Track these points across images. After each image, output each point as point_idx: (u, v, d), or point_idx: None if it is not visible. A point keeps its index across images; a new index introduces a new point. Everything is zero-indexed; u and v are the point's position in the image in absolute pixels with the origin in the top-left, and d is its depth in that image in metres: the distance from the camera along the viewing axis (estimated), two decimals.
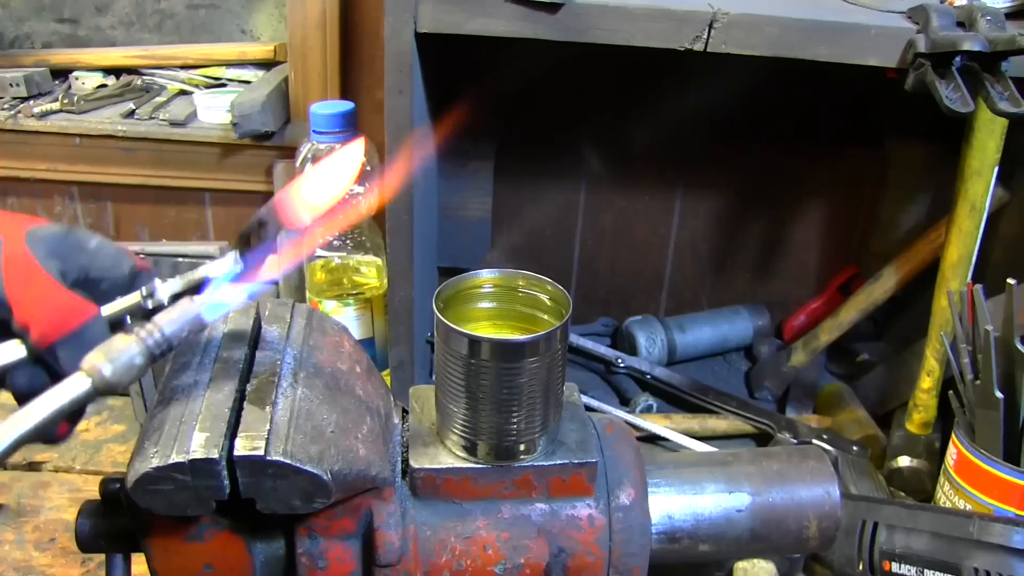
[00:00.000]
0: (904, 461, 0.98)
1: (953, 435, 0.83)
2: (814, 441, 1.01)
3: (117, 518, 0.50)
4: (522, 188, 1.22)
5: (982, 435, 0.80)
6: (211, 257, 1.38)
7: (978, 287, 0.80)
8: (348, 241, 1.10)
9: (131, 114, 1.33)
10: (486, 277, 0.53)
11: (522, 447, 0.50)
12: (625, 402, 1.15)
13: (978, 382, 0.79)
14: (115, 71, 1.41)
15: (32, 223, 0.47)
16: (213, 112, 1.32)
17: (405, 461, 0.51)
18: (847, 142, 1.18)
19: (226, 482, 0.43)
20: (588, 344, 1.19)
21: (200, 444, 0.43)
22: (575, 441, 0.52)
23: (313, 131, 1.03)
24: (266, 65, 1.39)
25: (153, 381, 1.11)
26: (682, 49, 0.82)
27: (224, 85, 1.40)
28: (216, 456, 0.42)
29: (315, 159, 1.05)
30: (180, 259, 1.37)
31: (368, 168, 1.06)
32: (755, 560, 0.82)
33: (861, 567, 0.75)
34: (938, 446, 0.98)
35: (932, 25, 0.78)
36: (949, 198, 0.92)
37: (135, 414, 1.14)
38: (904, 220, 1.22)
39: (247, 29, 1.42)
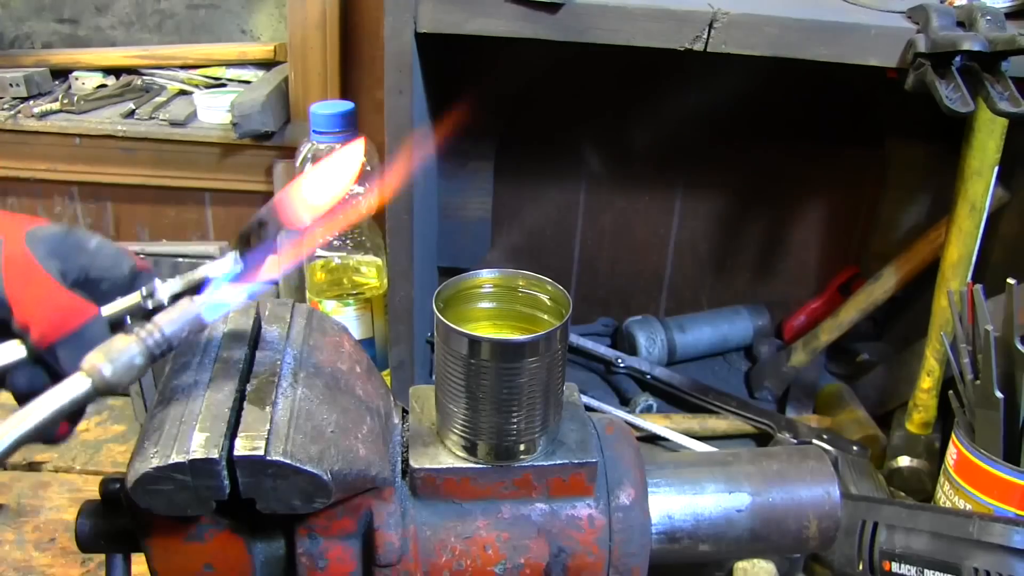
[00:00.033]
0: (904, 461, 0.98)
1: (953, 435, 0.83)
2: (814, 441, 1.01)
3: (117, 518, 0.50)
4: (522, 188, 1.22)
5: (982, 435, 0.80)
6: (211, 257, 1.38)
7: (978, 287, 0.80)
8: (348, 241, 1.10)
9: (131, 114, 1.33)
10: (486, 277, 0.53)
11: (522, 447, 0.50)
12: (625, 402, 1.15)
13: (978, 382, 0.79)
14: (115, 71, 1.41)
15: (32, 223, 0.47)
16: (213, 112, 1.32)
17: (405, 461, 0.51)
18: (847, 142, 1.18)
19: (226, 482, 0.43)
20: (588, 344, 1.19)
21: (200, 444, 0.43)
22: (575, 441, 0.52)
23: (313, 131, 1.04)
24: (266, 65, 1.39)
25: (153, 381, 1.11)
26: (682, 49, 0.82)
27: (224, 85, 1.40)
28: (216, 456, 0.42)
29: (315, 159, 1.05)
30: (180, 259, 1.37)
31: (368, 168, 1.06)
32: (755, 560, 0.82)
33: (861, 567, 0.75)
34: (938, 446, 0.98)
35: (932, 25, 0.78)
36: (949, 198, 0.92)
37: (135, 414, 1.14)
38: (904, 220, 1.22)
39: (247, 29, 1.42)
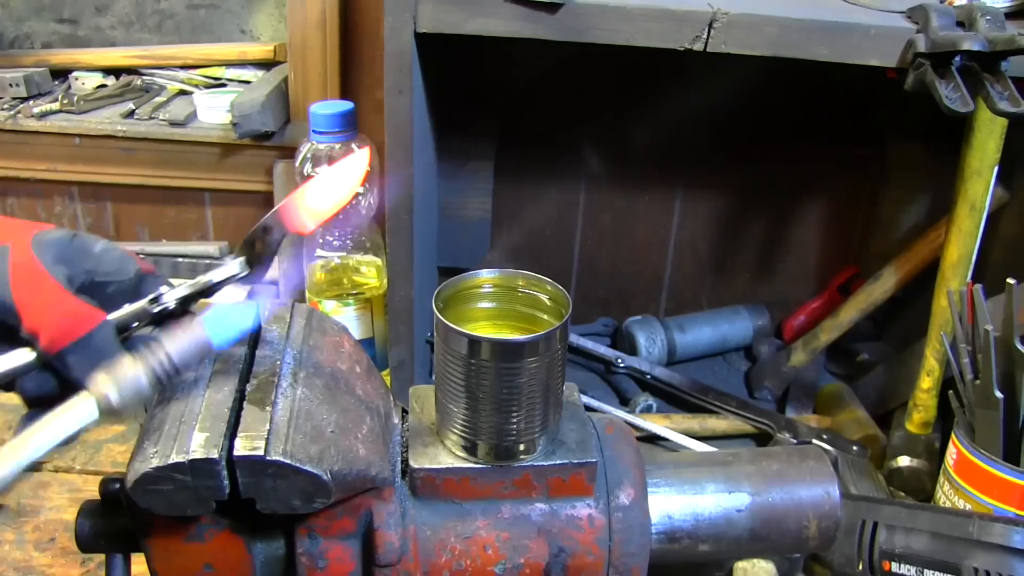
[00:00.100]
0: (904, 461, 0.98)
1: (953, 435, 0.83)
2: (814, 441, 1.01)
3: (117, 518, 0.50)
4: (522, 188, 1.22)
5: (982, 435, 0.80)
6: (211, 257, 1.38)
7: (978, 287, 0.80)
8: (348, 241, 1.10)
9: (131, 114, 1.33)
10: (486, 277, 0.53)
11: (522, 447, 0.50)
12: (625, 402, 1.15)
13: (978, 382, 0.79)
14: (115, 71, 1.41)
15: (37, 229, 0.47)
16: (213, 112, 1.32)
17: (405, 461, 0.51)
18: (847, 142, 1.18)
19: (226, 482, 0.43)
20: (588, 344, 1.19)
21: (200, 444, 0.43)
22: (575, 441, 0.52)
23: (313, 131, 1.04)
24: (266, 65, 1.39)
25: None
26: (682, 49, 0.82)
27: (224, 85, 1.40)
28: (216, 456, 0.42)
29: (315, 159, 1.06)
30: (180, 259, 1.37)
31: (368, 169, 1.06)
32: (755, 560, 0.82)
33: (861, 567, 0.75)
34: (938, 446, 0.98)
35: (932, 25, 0.78)
36: (949, 198, 0.92)
37: (135, 414, 1.14)
38: (904, 220, 1.22)
39: (247, 29, 1.42)
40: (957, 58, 0.76)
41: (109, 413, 0.42)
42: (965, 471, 0.81)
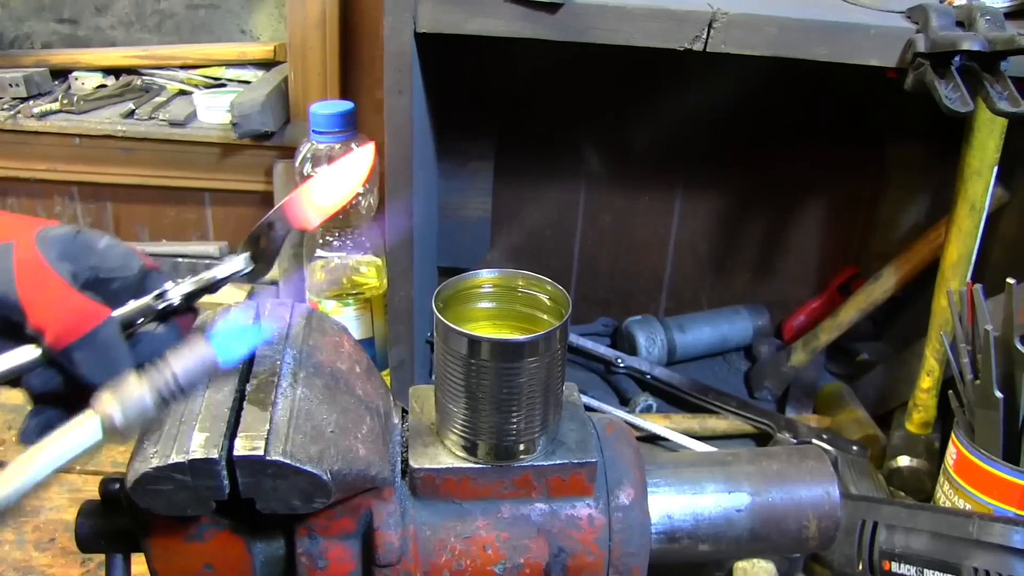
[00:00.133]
0: (904, 461, 0.98)
1: (953, 435, 0.83)
2: (814, 441, 1.01)
3: (117, 518, 0.50)
4: (522, 188, 1.22)
5: (982, 435, 0.80)
6: (211, 257, 1.38)
7: (978, 287, 0.80)
8: (348, 241, 1.10)
9: (131, 114, 1.33)
10: (486, 277, 0.53)
11: (522, 447, 0.50)
12: (625, 402, 1.15)
13: (978, 382, 0.79)
14: (115, 71, 1.41)
15: (41, 225, 0.47)
16: (213, 112, 1.32)
17: (405, 461, 0.51)
18: (847, 142, 1.18)
19: (226, 482, 0.43)
20: (588, 344, 1.19)
21: (200, 444, 0.43)
22: (575, 441, 0.52)
23: (313, 131, 1.04)
24: (266, 65, 1.39)
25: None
26: (682, 49, 0.82)
27: (224, 85, 1.40)
28: (216, 456, 0.42)
29: (315, 159, 1.06)
30: (180, 259, 1.37)
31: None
32: (755, 560, 0.82)
33: (861, 567, 0.75)
34: (938, 446, 0.98)
35: (931, 25, 0.78)
36: (949, 198, 0.92)
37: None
38: (904, 220, 1.22)
39: (247, 29, 1.42)
40: (957, 58, 0.76)
41: (113, 434, 0.42)
42: (965, 471, 0.81)
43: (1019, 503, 0.77)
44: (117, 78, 1.41)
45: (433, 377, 0.52)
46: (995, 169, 0.90)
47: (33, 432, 0.47)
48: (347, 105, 1.04)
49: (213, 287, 0.48)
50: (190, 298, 0.48)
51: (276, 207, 0.47)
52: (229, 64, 1.40)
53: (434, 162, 1.12)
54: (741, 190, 1.23)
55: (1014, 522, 0.69)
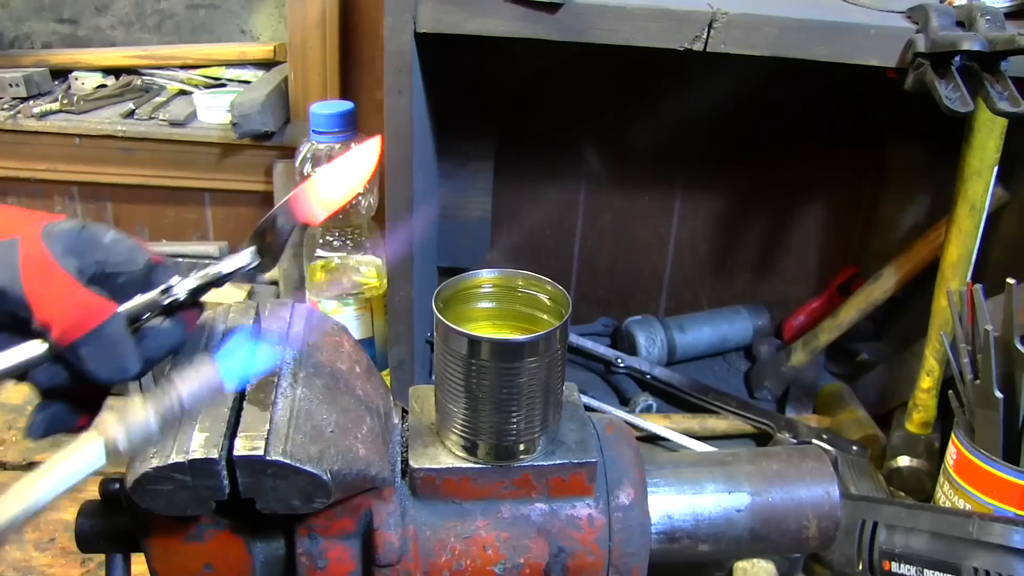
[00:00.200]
0: (904, 461, 0.98)
1: (953, 435, 0.83)
2: (814, 441, 1.01)
3: (117, 518, 0.50)
4: (522, 188, 1.22)
5: (982, 435, 0.80)
6: (211, 257, 1.38)
7: (978, 287, 0.80)
8: (348, 241, 1.10)
9: (131, 114, 1.33)
10: (486, 277, 0.53)
11: (522, 447, 0.50)
12: (625, 402, 1.15)
13: (978, 382, 0.79)
14: (115, 71, 1.41)
15: (46, 220, 0.47)
16: (213, 112, 1.32)
17: (405, 461, 0.51)
18: (847, 142, 1.18)
19: (226, 482, 0.43)
20: (588, 344, 1.19)
21: (200, 444, 0.43)
22: (575, 441, 0.52)
23: (313, 131, 1.04)
24: (266, 65, 1.39)
25: (153, 380, 1.11)
26: (682, 49, 0.82)
27: (224, 85, 1.40)
28: (216, 456, 0.42)
29: (315, 159, 1.06)
30: (180, 259, 1.37)
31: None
32: (755, 560, 0.82)
33: (861, 567, 0.75)
34: (938, 446, 0.98)
35: (932, 25, 0.78)
36: (949, 198, 0.92)
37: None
38: (904, 220, 1.22)
39: (247, 29, 1.42)
40: (957, 58, 0.76)
41: (116, 458, 0.42)
42: (965, 471, 0.81)
43: (1019, 503, 0.77)
44: (117, 78, 1.41)
45: (433, 377, 0.52)
46: (995, 169, 0.90)
47: (39, 427, 0.47)
48: (347, 105, 1.04)
49: (219, 281, 0.48)
50: (196, 293, 0.48)
51: (282, 201, 0.47)
52: (229, 64, 1.40)
53: (434, 162, 1.12)
54: (741, 190, 1.23)
55: (1014, 522, 0.69)
